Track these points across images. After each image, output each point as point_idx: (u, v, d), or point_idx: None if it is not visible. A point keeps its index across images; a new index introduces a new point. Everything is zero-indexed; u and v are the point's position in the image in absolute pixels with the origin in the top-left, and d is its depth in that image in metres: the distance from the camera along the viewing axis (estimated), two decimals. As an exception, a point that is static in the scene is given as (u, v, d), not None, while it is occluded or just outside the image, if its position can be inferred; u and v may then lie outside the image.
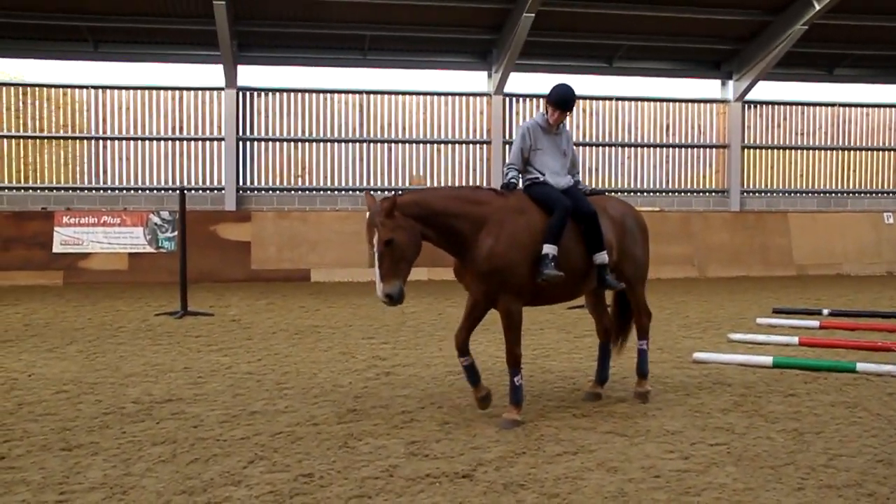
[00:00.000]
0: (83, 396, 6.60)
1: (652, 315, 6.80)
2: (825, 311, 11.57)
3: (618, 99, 20.24)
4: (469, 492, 4.29)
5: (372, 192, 5.90)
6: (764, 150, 20.88)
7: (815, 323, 10.36)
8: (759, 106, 20.79)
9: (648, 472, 4.58)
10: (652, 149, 20.43)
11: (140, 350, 8.89)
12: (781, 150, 20.97)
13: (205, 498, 4.24)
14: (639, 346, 6.59)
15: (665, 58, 20.14)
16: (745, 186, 20.68)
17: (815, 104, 21.10)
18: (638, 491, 4.29)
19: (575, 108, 19.27)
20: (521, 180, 6.34)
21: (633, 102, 20.32)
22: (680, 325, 10.86)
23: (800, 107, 21.02)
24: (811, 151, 21.12)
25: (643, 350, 6.55)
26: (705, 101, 20.59)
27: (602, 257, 6.02)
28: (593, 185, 20.14)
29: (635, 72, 20.31)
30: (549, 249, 5.80)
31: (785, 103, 20.96)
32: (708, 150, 20.64)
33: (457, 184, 19.47)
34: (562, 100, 6.14)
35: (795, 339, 8.94)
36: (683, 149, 20.53)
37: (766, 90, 20.69)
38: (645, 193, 20.26)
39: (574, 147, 6.67)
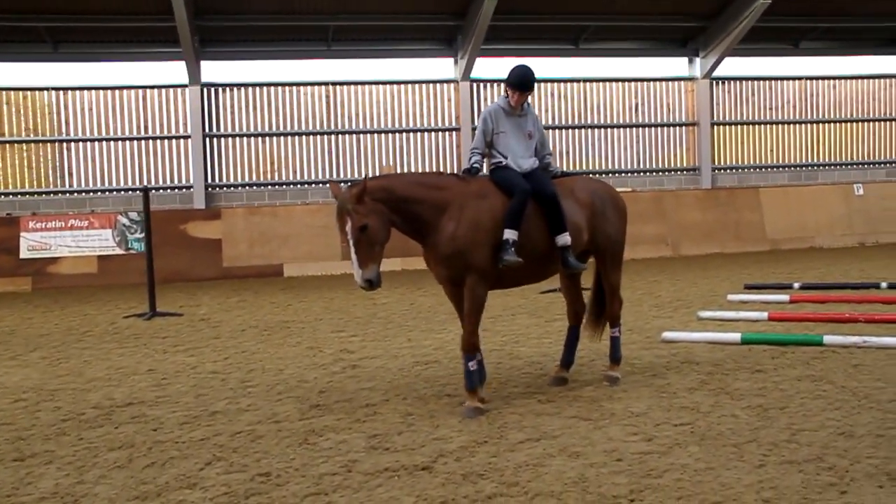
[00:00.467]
0: (42, 404, 6.46)
1: (623, 302, 6.72)
2: (796, 286, 11.60)
3: (585, 80, 20.14)
4: (427, 484, 4.22)
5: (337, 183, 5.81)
6: (733, 127, 20.87)
7: (785, 297, 10.37)
8: (726, 82, 20.76)
9: (611, 456, 4.54)
10: (622, 129, 20.38)
11: (105, 354, 8.75)
12: (751, 126, 20.96)
13: (158, 502, 4.15)
14: (611, 334, 6.55)
15: (632, 37, 20.05)
16: (716, 163, 20.68)
17: (782, 78, 21.09)
18: (599, 475, 4.24)
19: (544, 91, 19.61)
20: (484, 164, 6.29)
21: (601, 83, 20.22)
22: (651, 304, 10.84)
23: (767, 81, 21.01)
24: (780, 126, 21.14)
25: (615, 337, 6.51)
26: (673, 80, 20.54)
27: (564, 239, 5.97)
28: (565, 168, 20.12)
29: (602, 52, 20.21)
30: (509, 234, 5.76)
31: (752, 78, 20.94)
32: (678, 128, 20.61)
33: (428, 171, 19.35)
34: (520, 81, 6.09)
35: (765, 315, 8.94)
36: (653, 128, 20.49)
37: (733, 66, 20.66)
38: (616, 174, 20.21)
39: (543, 128, 6.60)
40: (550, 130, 20.05)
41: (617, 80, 20.31)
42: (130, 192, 18.22)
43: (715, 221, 19.56)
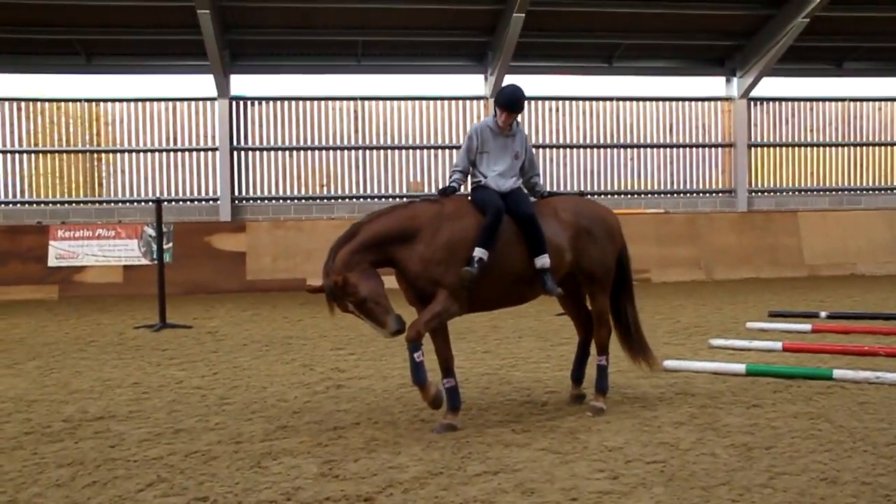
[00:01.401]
0: (14, 415, 6.37)
1: (611, 329, 6.38)
2: (823, 314, 11.08)
3: (618, 99, 19.80)
4: (363, 518, 3.97)
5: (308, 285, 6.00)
6: (771, 148, 20.31)
7: (807, 327, 9.89)
8: (765, 103, 20.22)
9: (567, 495, 4.23)
10: (655, 149, 19.96)
11: (100, 365, 8.68)
12: (790, 148, 20.37)
13: (82, 527, 3.97)
14: (598, 362, 6.23)
15: (666, 56, 19.68)
16: (753, 186, 20.13)
17: (824, 99, 20.47)
18: (546, 516, 3.94)
19: (575, 109, 19.30)
20: (463, 184, 6.09)
21: (634, 102, 19.87)
22: (667, 330, 10.43)
23: (808, 102, 20.41)
24: (821, 148, 20.49)
25: (602, 366, 6.19)
26: (709, 100, 20.08)
27: (543, 261, 5.71)
28: (596, 188, 19.77)
29: (636, 71, 19.87)
30: (478, 253, 5.56)
31: (792, 99, 20.36)
32: (713, 149, 20.12)
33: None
34: (509, 101, 5.91)
35: (779, 345, 8.49)
36: (688, 149, 20.02)
37: (772, 86, 20.16)
38: (648, 195, 19.79)
39: (532, 147, 6.38)
40: (581, 150, 19.75)
41: (651, 100, 19.93)
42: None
43: (750, 245, 18.97)
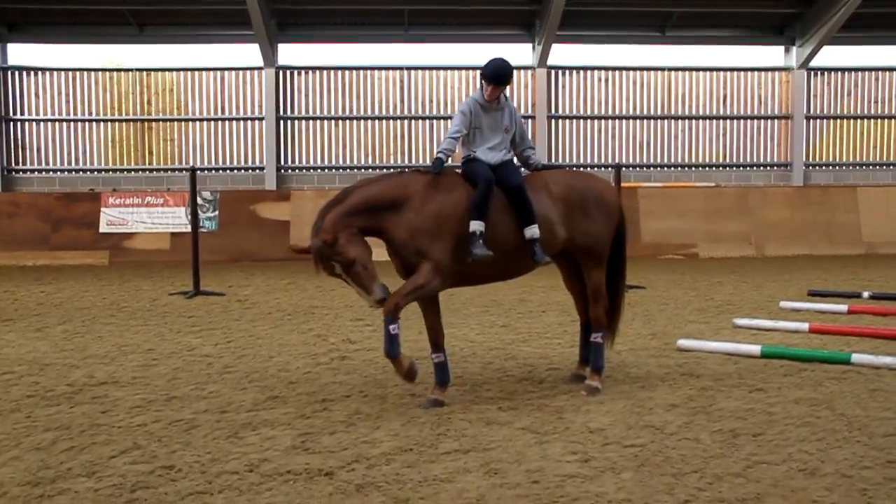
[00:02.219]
0: (25, 378, 6.55)
1: (608, 305, 6.20)
2: (865, 294, 10.63)
3: (671, 69, 19.21)
4: (315, 492, 3.95)
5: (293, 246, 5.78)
6: (831, 121, 19.48)
7: (843, 307, 9.49)
8: (824, 73, 19.36)
9: (529, 477, 4.13)
10: (708, 121, 19.35)
11: (122, 331, 8.87)
12: (851, 120, 19.50)
13: (47, 489, 4.04)
14: (592, 339, 6.07)
15: (722, 25, 18.97)
16: (810, 160, 19.37)
17: (887, 69, 19.50)
18: (499, 499, 3.85)
19: (626, 79, 18.78)
20: (452, 156, 5.94)
21: (687, 72, 19.26)
22: (696, 308, 10.15)
23: (871, 72, 19.45)
24: (884, 121, 19.56)
25: (598, 343, 6.03)
26: (766, 70, 19.31)
27: (532, 231, 5.59)
28: (645, 160, 19.32)
29: (690, 40, 19.24)
30: (475, 226, 5.47)
31: (854, 69, 19.45)
32: (769, 121, 19.40)
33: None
34: (495, 74, 5.76)
35: (805, 326, 8.17)
36: (742, 120, 19.35)
37: (833, 55, 19.29)
38: (700, 168, 19.24)
39: (522, 119, 6.22)
40: (632, 121, 19.27)
41: (705, 70, 19.31)
42: (206, 172, 18.65)
43: (805, 221, 18.32)
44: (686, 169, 19.28)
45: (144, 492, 4.00)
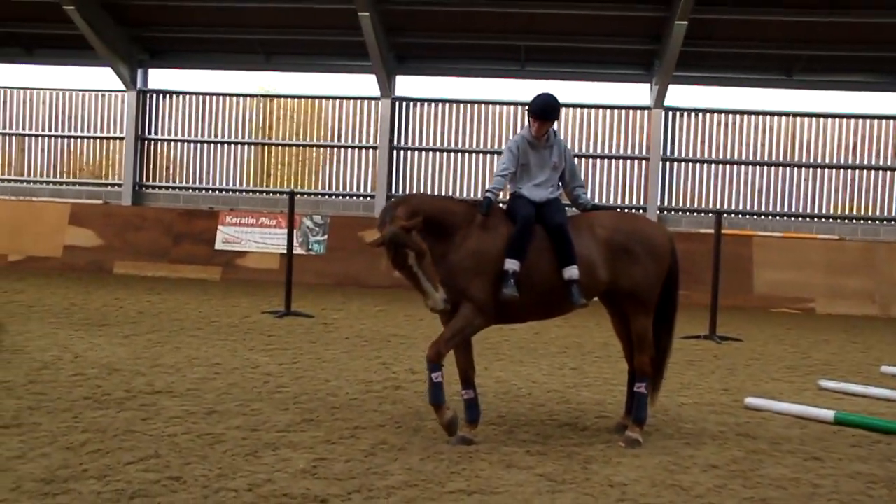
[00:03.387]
0: (92, 381, 6.88)
1: (654, 354, 5.90)
2: None
3: (796, 114, 18.33)
4: (299, 519, 3.92)
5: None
6: (972, 174, 18.04)
7: (952, 378, 8.69)
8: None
9: (523, 526, 3.96)
10: (834, 170, 18.30)
11: (201, 343, 9.20)
12: None
13: (55, 488, 4.21)
14: (636, 389, 5.79)
15: (853, 69, 17.97)
16: (947, 215, 17.98)
17: None
18: (481, 544, 3.70)
19: (748, 123, 18.07)
20: (502, 192, 5.83)
21: (814, 118, 18.32)
22: (787, 365, 9.54)
23: None
24: None
25: (640, 394, 5.74)
26: (899, 118, 18.14)
27: (571, 272, 5.43)
28: (765, 209, 18.47)
29: (819, 85, 18.32)
30: (509, 265, 5.38)
31: None
32: (902, 172, 18.16)
33: (611, 201, 18.68)
34: (541, 110, 5.70)
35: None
36: (871, 171, 18.19)
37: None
38: (822, 219, 18.19)
39: (574, 162, 6.09)
40: (753, 167, 18.48)
41: (833, 116, 18.28)
42: (318, 196, 19.24)
43: (939, 282, 16.94)
44: (808, 220, 18.28)
45: (141, 500, 4.10)
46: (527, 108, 5.76)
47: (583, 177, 18.38)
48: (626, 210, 17.92)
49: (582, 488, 4.59)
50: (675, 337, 6.24)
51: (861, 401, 7.49)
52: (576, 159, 6.10)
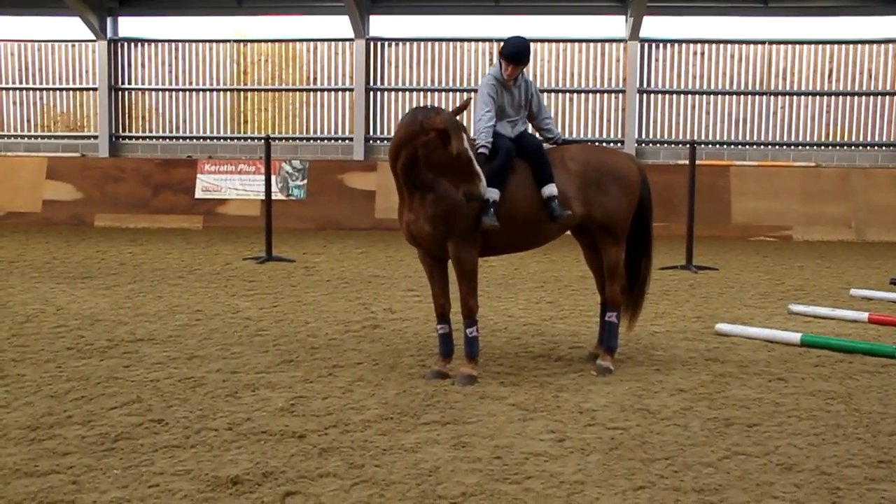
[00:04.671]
0: (74, 332, 6.97)
1: (625, 284, 6.05)
2: (953, 285, 9.94)
3: (772, 42, 18.26)
4: (279, 453, 4.06)
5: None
6: (951, 97, 18.09)
7: (918, 298, 8.91)
8: (944, 45, 17.99)
9: (494, 452, 4.12)
10: (811, 97, 18.31)
11: (183, 291, 9.28)
12: (973, 97, 18.06)
13: (40, 434, 4.32)
14: (606, 318, 5.97)
15: (831, -7, 17.90)
16: (924, 139, 18.10)
17: None
18: (453, 472, 3.86)
19: (724, 53, 17.99)
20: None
21: (790, 46, 18.26)
22: (761, 292, 9.74)
23: None
24: None
25: (612, 323, 5.90)
26: (877, 42, 18.06)
27: (550, 189, 5.61)
28: (742, 138, 18.54)
29: (794, 11, 18.19)
30: (490, 194, 5.43)
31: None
32: (879, 97, 18.16)
33: (588, 136, 18.67)
34: (515, 54, 5.76)
35: (865, 316, 7.72)
36: (849, 97, 18.22)
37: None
38: (799, 147, 18.28)
39: (540, 95, 6.15)
40: (729, 96, 18.47)
41: (809, 43, 18.22)
42: (297, 141, 19.14)
43: (914, 205, 17.15)
44: (785, 148, 18.38)
45: (125, 442, 4.22)
46: (500, 51, 5.79)
47: (560, 111, 18.70)
48: (604, 144, 17.94)
49: (553, 415, 4.76)
50: (652, 266, 6.37)
51: (829, 323, 7.70)
52: (548, 94, 6.11)
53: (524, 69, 5.87)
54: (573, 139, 17.43)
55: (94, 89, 19.66)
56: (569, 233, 6.16)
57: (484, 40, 19.04)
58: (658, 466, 3.97)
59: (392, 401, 5.00)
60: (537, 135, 6.15)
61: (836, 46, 18.16)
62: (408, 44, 19.04)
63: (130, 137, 19.84)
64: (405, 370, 5.81)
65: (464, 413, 4.77)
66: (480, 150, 5.59)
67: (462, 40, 19.05)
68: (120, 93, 19.73)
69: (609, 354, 5.84)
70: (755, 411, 4.87)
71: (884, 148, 18.25)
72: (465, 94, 18.97)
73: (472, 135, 5.60)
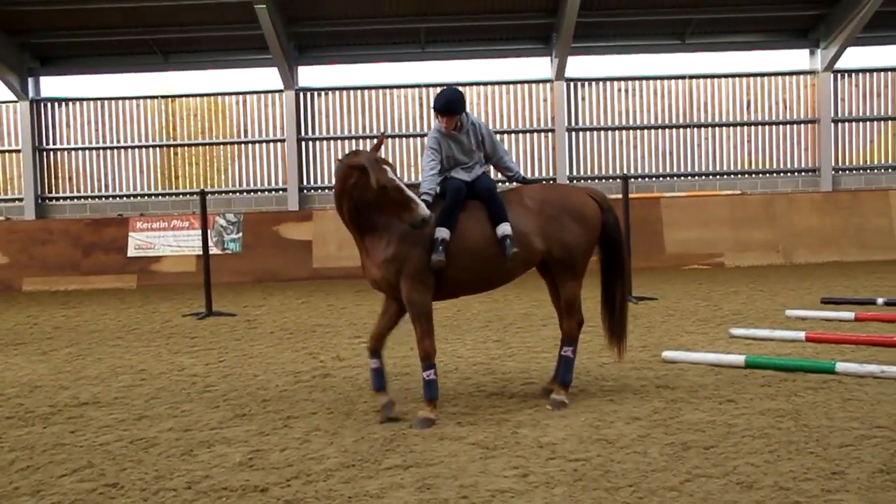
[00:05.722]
0: (12, 399, 6.72)
1: (583, 321, 6.12)
2: (879, 301, 10.34)
3: (692, 77, 19.00)
4: (241, 510, 3.98)
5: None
6: (859, 123, 19.03)
7: (850, 315, 9.25)
8: (851, 75, 18.95)
9: (460, 492, 4.11)
10: (732, 128, 19.06)
11: (124, 352, 9.05)
12: (880, 122, 19.02)
13: (-12, 510, 4.15)
14: (562, 353, 6.02)
15: (743, 30, 18.72)
16: (839, 164, 18.92)
17: (916, 69, 19.03)
18: (421, 514, 3.84)
19: (646, 89, 18.60)
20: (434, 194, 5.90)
21: (709, 80, 19.02)
22: (701, 318, 9.98)
23: (898, 73, 19.02)
24: (917, 121, 19.06)
25: (567, 358, 5.96)
26: (790, 74, 18.96)
27: (503, 228, 5.66)
28: (669, 170, 19.11)
29: (711, 47, 19.02)
30: (439, 233, 5.52)
31: (881, 70, 18.98)
32: (795, 126, 19.03)
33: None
34: (444, 106, 5.88)
35: (802, 335, 7.98)
36: (767, 126, 19.02)
37: (858, 57, 18.84)
38: (724, 176, 18.95)
39: (493, 135, 6.24)
40: (653, 130, 19.07)
41: (727, 76, 19.04)
42: (230, 194, 18.97)
43: (835, 227, 17.88)
44: (711, 178, 19.02)
45: (81, 510, 4.08)
46: (433, 107, 5.89)
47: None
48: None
49: (513, 451, 4.78)
50: (627, 293, 6.43)
51: (769, 344, 7.93)
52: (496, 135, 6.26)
53: (463, 115, 5.96)
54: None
55: (18, 151, 19.22)
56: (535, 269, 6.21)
57: (412, 86, 19.33)
58: (623, 494, 4.01)
59: (351, 448, 4.95)
60: (499, 175, 6.28)
61: (752, 79, 18.99)
62: (337, 93, 19.19)
63: (57, 198, 19.41)
64: (361, 416, 5.76)
65: (425, 455, 4.75)
66: (423, 197, 5.64)
67: (391, 87, 19.30)
68: (45, 153, 19.34)
69: (563, 388, 5.89)
70: (710, 434, 4.97)
71: (803, 173, 19.01)
72: (396, 139, 19.17)
73: (419, 178, 5.77)
